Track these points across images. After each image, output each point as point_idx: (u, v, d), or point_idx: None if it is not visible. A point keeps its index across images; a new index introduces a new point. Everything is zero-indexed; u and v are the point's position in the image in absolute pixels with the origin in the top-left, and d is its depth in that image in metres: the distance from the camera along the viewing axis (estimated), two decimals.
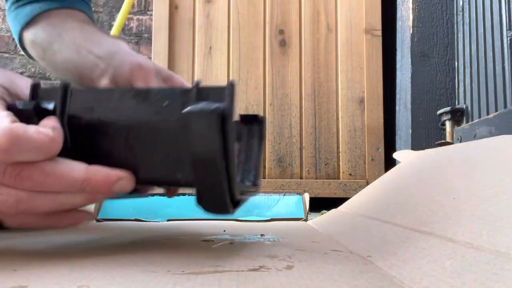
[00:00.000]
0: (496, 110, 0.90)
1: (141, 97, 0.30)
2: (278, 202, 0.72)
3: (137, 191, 0.36)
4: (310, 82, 1.45)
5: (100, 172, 0.28)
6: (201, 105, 0.26)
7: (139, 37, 2.01)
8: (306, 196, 0.74)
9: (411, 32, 1.15)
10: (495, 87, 0.92)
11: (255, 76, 1.45)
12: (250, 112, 1.47)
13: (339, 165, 1.44)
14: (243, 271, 0.26)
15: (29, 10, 0.57)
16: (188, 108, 0.26)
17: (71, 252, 0.34)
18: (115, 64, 0.44)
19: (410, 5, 1.16)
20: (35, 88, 0.31)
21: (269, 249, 0.34)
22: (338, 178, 1.43)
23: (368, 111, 1.44)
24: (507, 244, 0.22)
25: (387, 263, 0.28)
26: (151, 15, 1.64)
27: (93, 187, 0.28)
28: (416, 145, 1.10)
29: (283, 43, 1.47)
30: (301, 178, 1.43)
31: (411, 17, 1.15)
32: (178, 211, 0.69)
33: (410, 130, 1.12)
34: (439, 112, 1.10)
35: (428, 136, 1.12)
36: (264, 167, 1.43)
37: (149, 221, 0.63)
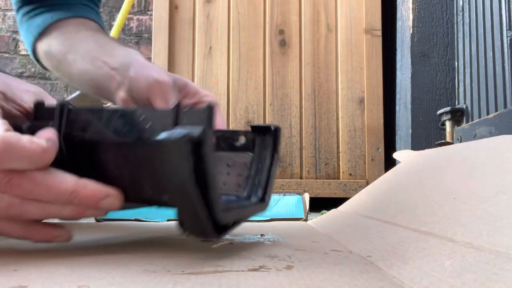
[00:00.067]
0: (496, 110, 0.90)
1: (127, 118, 0.30)
2: (278, 202, 0.72)
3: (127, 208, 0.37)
4: (310, 82, 1.45)
5: (89, 187, 0.29)
6: (171, 132, 0.26)
7: (139, 37, 2.01)
8: (306, 196, 0.74)
9: (411, 32, 1.15)
10: (495, 87, 0.92)
11: (255, 76, 1.45)
12: (250, 113, 1.47)
13: (339, 165, 1.44)
14: (243, 271, 0.26)
15: (40, 21, 0.57)
16: (159, 136, 0.26)
17: (71, 252, 0.34)
18: (130, 77, 0.43)
19: (410, 5, 1.16)
20: (38, 107, 0.32)
21: (269, 249, 0.34)
22: (338, 178, 1.43)
23: (368, 111, 1.44)
24: (507, 244, 0.22)
25: (387, 263, 0.28)
26: (151, 15, 1.64)
27: (80, 200, 0.29)
28: (416, 145, 1.10)
29: (283, 43, 1.47)
30: (301, 178, 1.43)
31: (411, 17, 1.15)
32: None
33: (410, 130, 1.12)
34: (439, 112, 1.10)
35: (428, 136, 1.12)
36: None
37: (149, 221, 0.63)
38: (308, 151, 1.44)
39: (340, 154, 1.44)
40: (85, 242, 0.40)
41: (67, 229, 0.33)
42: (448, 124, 1.07)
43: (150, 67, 0.43)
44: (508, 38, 0.88)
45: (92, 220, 0.62)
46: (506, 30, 0.89)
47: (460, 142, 0.99)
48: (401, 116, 1.20)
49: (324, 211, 0.98)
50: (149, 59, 0.45)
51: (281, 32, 1.47)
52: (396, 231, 0.34)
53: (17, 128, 0.30)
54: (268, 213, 0.69)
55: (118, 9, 1.59)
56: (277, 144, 0.40)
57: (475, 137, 0.92)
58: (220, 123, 0.42)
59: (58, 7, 0.58)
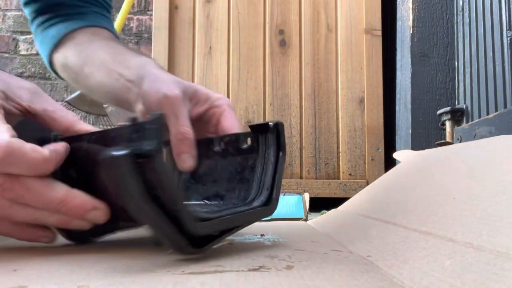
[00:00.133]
0: (496, 110, 0.90)
1: (101, 141, 0.32)
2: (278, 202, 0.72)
3: (116, 229, 0.37)
4: (310, 82, 1.45)
5: (79, 198, 0.31)
6: (110, 150, 0.25)
7: (139, 37, 2.01)
8: (306, 196, 0.74)
9: (411, 32, 1.15)
10: (495, 87, 0.92)
11: (255, 76, 1.45)
12: (250, 113, 1.47)
13: (339, 165, 1.44)
14: (243, 271, 0.26)
15: (55, 32, 0.57)
16: (102, 155, 0.25)
17: (71, 252, 0.34)
18: (143, 91, 0.43)
19: (410, 5, 1.16)
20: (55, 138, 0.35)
21: (269, 249, 0.34)
22: (338, 178, 1.43)
23: (368, 111, 1.44)
24: (507, 244, 0.22)
25: (387, 263, 0.28)
26: (151, 15, 1.64)
27: (68, 209, 0.31)
28: (416, 145, 1.10)
29: (283, 43, 1.47)
30: (301, 178, 1.43)
31: (411, 17, 1.15)
32: None
33: (410, 130, 1.12)
34: (439, 112, 1.10)
35: (428, 136, 1.12)
36: None
37: None
38: (308, 151, 1.44)
39: (340, 154, 1.44)
40: (85, 243, 0.40)
41: (52, 229, 0.34)
42: (448, 124, 1.07)
43: (161, 79, 0.42)
44: (508, 38, 0.88)
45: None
46: (506, 30, 0.89)
47: (460, 142, 0.99)
48: (401, 116, 1.20)
49: (324, 211, 0.98)
50: (175, 81, 0.44)
51: (281, 32, 1.47)
52: (396, 231, 0.34)
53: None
54: None
55: (118, 9, 1.59)
56: (280, 141, 0.37)
57: (475, 137, 0.92)
58: (234, 125, 0.41)
59: (72, 16, 0.58)
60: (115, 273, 0.25)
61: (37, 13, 0.60)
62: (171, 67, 1.42)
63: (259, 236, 0.43)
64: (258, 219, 0.35)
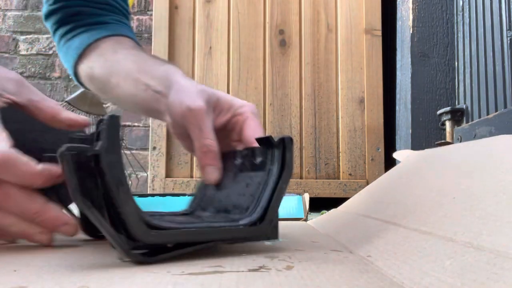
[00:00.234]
0: (496, 110, 0.90)
1: (87, 141, 0.34)
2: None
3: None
4: (310, 82, 1.45)
5: (53, 212, 0.34)
6: (63, 146, 0.27)
7: (139, 37, 2.01)
8: (306, 196, 0.74)
9: (411, 32, 1.15)
10: (495, 87, 0.92)
11: (255, 76, 1.45)
12: None
13: (339, 165, 1.44)
14: (243, 271, 0.26)
15: (78, 43, 0.57)
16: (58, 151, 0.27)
17: (71, 252, 0.34)
18: (169, 102, 0.42)
19: (410, 5, 1.16)
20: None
21: (269, 250, 0.34)
22: (338, 178, 1.43)
23: (368, 111, 1.44)
24: (507, 244, 0.21)
25: (387, 263, 0.28)
26: (151, 15, 1.64)
27: (42, 221, 0.33)
28: (416, 145, 1.10)
29: (283, 43, 1.47)
30: (301, 178, 1.43)
31: (411, 17, 1.15)
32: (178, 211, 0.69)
33: (410, 130, 1.12)
34: (439, 112, 1.10)
35: (428, 136, 1.12)
36: None
37: None
38: (308, 151, 1.44)
39: (340, 154, 1.44)
40: (84, 243, 0.40)
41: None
42: (448, 124, 1.07)
43: (185, 90, 0.42)
44: (508, 38, 0.88)
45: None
46: (506, 30, 0.89)
47: (460, 142, 0.99)
48: (401, 116, 1.20)
49: (324, 211, 0.98)
50: (198, 90, 0.43)
51: (281, 32, 1.47)
52: (396, 231, 0.34)
53: None
54: None
55: None
56: (285, 158, 0.34)
57: (475, 137, 0.92)
58: (256, 134, 0.40)
59: (93, 26, 0.58)
60: (115, 273, 0.25)
61: (59, 24, 0.60)
62: None
63: None
64: (241, 237, 0.33)
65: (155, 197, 0.72)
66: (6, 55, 2.03)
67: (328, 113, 1.45)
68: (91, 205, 0.27)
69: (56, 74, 2.02)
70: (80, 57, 0.57)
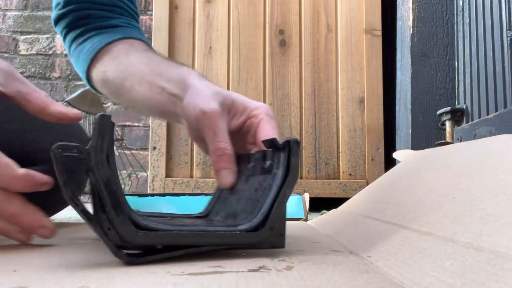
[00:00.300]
0: (496, 110, 0.90)
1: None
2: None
3: None
4: (310, 82, 1.45)
5: (30, 215, 0.34)
6: (55, 145, 0.28)
7: None
8: (306, 196, 0.74)
9: (411, 32, 1.15)
10: (495, 87, 0.92)
11: (255, 76, 1.45)
12: None
13: (339, 165, 1.44)
14: (243, 271, 0.26)
15: (90, 47, 0.57)
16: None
17: (71, 253, 0.34)
18: (184, 105, 0.42)
19: (410, 5, 1.16)
20: None
21: (269, 250, 0.34)
22: (338, 178, 1.43)
23: (368, 111, 1.44)
24: (507, 244, 0.21)
25: (387, 263, 0.28)
26: (151, 15, 1.64)
27: (19, 222, 0.34)
28: (416, 145, 1.10)
29: (283, 43, 1.47)
30: (301, 178, 1.43)
31: (411, 17, 1.15)
32: (178, 211, 0.69)
33: (410, 130, 1.12)
34: (439, 112, 1.10)
35: (428, 136, 1.12)
36: None
37: None
38: (308, 151, 1.44)
39: (340, 154, 1.44)
40: (84, 243, 0.40)
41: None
42: (448, 124, 1.07)
43: (199, 93, 0.41)
44: (508, 38, 0.88)
45: None
46: (506, 30, 0.89)
47: (460, 142, 0.99)
48: (401, 116, 1.20)
49: (324, 211, 0.98)
50: (213, 92, 0.43)
51: (281, 32, 1.47)
52: (396, 231, 0.34)
53: None
54: None
55: None
56: (290, 162, 0.33)
57: (475, 137, 0.92)
58: (270, 133, 0.39)
59: (104, 29, 0.58)
60: (115, 273, 0.25)
61: (69, 29, 0.59)
62: None
63: None
64: (238, 244, 0.31)
65: (155, 196, 0.72)
66: (6, 55, 2.03)
67: (328, 113, 1.45)
68: (79, 202, 0.27)
69: (56, 74, 2.02)
70: (93, 61, 0.56)
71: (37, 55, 2.03)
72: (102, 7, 0.59)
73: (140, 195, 0.73)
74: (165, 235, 0.28)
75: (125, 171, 1.83)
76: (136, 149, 1.97)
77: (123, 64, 0.53)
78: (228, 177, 0.39)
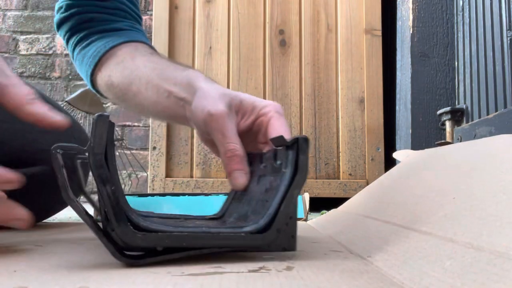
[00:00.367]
0: (496, 110, 0.90)
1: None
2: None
3: None
4: (310, 82, 1.45)
5: (6, 206, 0.33)
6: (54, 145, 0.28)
7: None
8: (306, 196, 0.74)
9: (411, 32, 1.15)
10: (495, 87, 0.92)
11: (255, 76, 1.45)
12: None
13: (339, 165, 1.44)
14: (243, 272, 0.26)
15: (94, 51, 0.56)
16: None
17: (71, 253, 0.34)
18: (192, 108, 0.42)
19: (410, 5, 1.16)
20: None
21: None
22: (338, 178, 1.43)
23: (368, 111, 1.44)
24: (507, 244, 0.21)
25: (387, 263, 0.28)
26: (151, 15, 1.64)
27: None
28: (416, 145, 1.10)
29: (283, 43, 1.47)
30: None
31: (411, 17, 1.15)
32: (178, 211, 0.69)
33: (410, 130, 1.12)
34: (439, 112, 1.10)
35: (428, 136, 1.12)
36: None
37: None
38: None
39: (340, 154, 1.44)
40: (84, 243, 0.40)
41: None
42: (448, 124, 1.07)
43: (207, 95, 0.41)
44: (508, 38, 0.88)
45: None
46: (506, 30, 0.89)
47: (460, 142, 0.99)
48: (401, 116, 1.20)
49: (324, 211, 0.98)
50: (221, 94, 0.42)
51: (281, 32, 1.47)
52: (396, 231, 0.34)
53: None
54: None
55: None
56: (299, 161, 0.31)
57: (475, 137, 0.92)
58: (281, 130, 0.39)
59: (108, 33, 0.57)
60: (115, 273, 0.25)
61: (71, 32, 0.59)
62: None
63: None
64: (243, 246, 0.30)
65: (155, 196, 0.72)
66: (6, 55, 2.03)
67: (328, 113, 1.45)
68: (78, 203, 0.27)
69: (56, 74, 2.02)
70: (97, 65, 0.56)
71: (37, 55, 2.03)
72: (105, 10, 0.58)
73: (140, 195, 0.73)
74: (165, 236, 0.28)
75: (125, 171, 1.83)
76: (136, 149, 1.97)
77: (128, 68, 0.52)
78: (240, 179, 0.38)
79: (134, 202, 0.70)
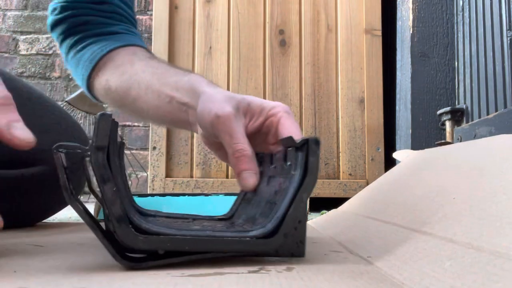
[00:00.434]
0: (496, 110, 0.90)
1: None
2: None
3: None
4: (310, 82, 1.45)
5: None
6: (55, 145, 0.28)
7: None
8: None
9: (411, 32, 1.15)
10: (495, 87, 0.92)
11: (255, 76, 1.45)
12: None
13: (339, 165, 1.44)
14: (243, 273, 0.26)
15: (90, 55, 0.55)
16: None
17: (71, 253, 0.34)
18: (198, 112, 0.41)
19: (410, 5, 1.16)
20: None
21: None
22: (338, 178, 1.43)
23: (368, 111, 1.44)
24: (507, 244, 0.21)
25: (387, 264, 0.28)
26: (151, 15, 1.64)
27: None
28: (416, 145, 1.10)
29: (283, 43, 1.46)
30: None
31: (411, 17, 1.15)
32: (178, 211, 0.69)
33: (410, 130, 1.12)
34: (439, 112, 1.10)
35: (428, 136, 1.12)
36: None
37: None
38: None
39: (340, 154, 1.44)
40: (84, 243, 0.40)
41: None
42: (448, 124, 1.07)
43: (212, 99, 0.40)
44: (508, 38, 0.88)
45: None
46: (506, 30, 0.89)
47: (460, 142, 0.99)
48: (401, 116, 1.20)
49: (324, 211, 0.98)
50: (226, 98, 0.42)
51: (281, 32, 1.47)
52: (396, 231, 0.34)
53: None
54: None
55: None
56: (308, 163, 0.30)
57: (475, 137, 0.92)
58: (291, 130, 0.38)
59: (104, 36, 0.56)
60: (115, 273, 0.25)
61: (66, 35, 0.58)
62: None
63: None
64: (248, 251, 0.29)
65: (155, 197, 0.72)
66: (6, 55, 2.03)
67: (328, 113, 1.45)
68: (79, 202, 0.27)
69: (56, 74, 2.02)
70: (94, 69, 0.55)
71: (37, 55, 2.03)
72: (100, 13, 0.57)
73: (140, 195, 0.73)
74: (167, 240, 0.27)
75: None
76: (136, 149, 1.97)
77: (127, 73, 0.52)
78: (250, 179, 0.38)
79: None
